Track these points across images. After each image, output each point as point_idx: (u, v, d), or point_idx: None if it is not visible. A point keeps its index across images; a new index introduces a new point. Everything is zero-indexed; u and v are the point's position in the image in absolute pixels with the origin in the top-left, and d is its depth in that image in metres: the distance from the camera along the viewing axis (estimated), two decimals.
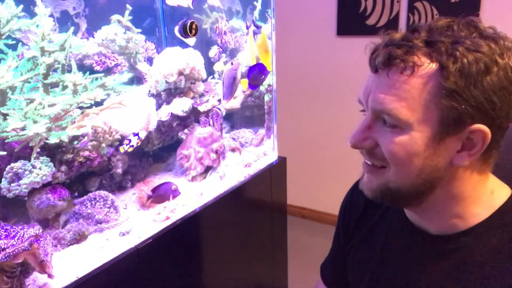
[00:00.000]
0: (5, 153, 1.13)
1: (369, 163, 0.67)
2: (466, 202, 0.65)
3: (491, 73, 0.55)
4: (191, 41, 1.55)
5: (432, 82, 0.57)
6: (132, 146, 1.37)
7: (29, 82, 1.19)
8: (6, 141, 1.08)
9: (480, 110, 0.56)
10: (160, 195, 1.38)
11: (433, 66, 0.57)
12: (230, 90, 1.55)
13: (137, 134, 1.40)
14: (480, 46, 0.55)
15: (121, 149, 1.37)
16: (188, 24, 1.43)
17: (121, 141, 1.41)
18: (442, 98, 0.56)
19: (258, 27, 1.59)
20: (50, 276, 0.96)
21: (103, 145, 1.33)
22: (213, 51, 1.97)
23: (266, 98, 1.90)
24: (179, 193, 1.42)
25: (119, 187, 1.46)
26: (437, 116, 0.58)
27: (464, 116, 0.57)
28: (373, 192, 0.67)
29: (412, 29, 0.62)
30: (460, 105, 0.56)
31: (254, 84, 1.64)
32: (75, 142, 1.26)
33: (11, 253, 0.88)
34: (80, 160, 1.27)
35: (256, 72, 1.59)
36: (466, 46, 0.55)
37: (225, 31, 1.65)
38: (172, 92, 1.61)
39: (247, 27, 1.65)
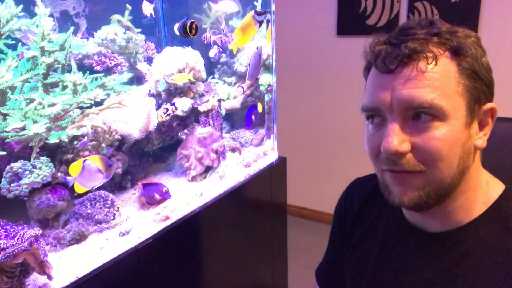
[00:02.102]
0: (5, 153, 1.13)
1: (401, 170, 0.61)
2: (474, 192, 0.65)
3: (484, 55, 0.62)
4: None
5: (454, 68, 0.59)
6: (169, 114, 1.43)
7: (29, 82, 1.19)
8: (6, 141, 1.07)
9: (489, 88, 0.62)
10: (149, 196, 1.37)
11: (447, 54, 0.60)
12: (254, 70, 1.64)
13: (173, 104, 1.46)
14: (470, 34, 0.62)
15: (159, 118, 1.42)
16: (188, 24, 1.43)
17: (121, 141, 1.41)
18: (465, 80, 0.60)
19: (259, 14, 1.51)
20: (49, 277, 0.96)
21: (103, 145, 1.33)
22: (213, 51, 1.97)
23: (266, 98, 1.90)
24: (170, 196, 1.39)
25: (119, 187, 1.46)
26: (465, 99, 0.60)
27: (481, 95, 0.61)
28: (417, 199, 0.62)
29: (405, 27, 0.62)
30: (479, 85, 0.61)
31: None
32: (75, 142, 1.26)
33: (11, 253, 0.88)
34: None
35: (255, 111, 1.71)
36: (462, 34, 0.61)
37: (214, 40, 1.63)
38: (172, 92, 1.61)
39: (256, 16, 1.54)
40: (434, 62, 0.58)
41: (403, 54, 0.59)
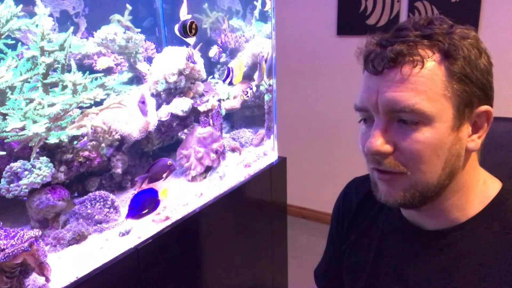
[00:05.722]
0: (4, 153, 1.12)
1: (385, 170, 0.63)
2: (468, 192, 0.65)
3: (482, 57, 0.60)
4: (190, 40, 1.55)
5: (442, 71, 0.59)
6: (248, 96, 1.81)
7: (29, 82, 1.19)
8: (5, 141, 1.07)
9: (483, 91, 0.61)
10: (156, 172, 1.38)
11: (437, 56, 0.59)
12: (258, 74, 1.81)
13: (251, 88, 1.81)
14: (467, 34, 0.60)
15: (241, 97, 1.77)
16: (188, 24, 1.43)
17: (120, 141, 1.41)
18: (455, 84, 0.59)
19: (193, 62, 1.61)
20: (47, 279, 0.96)
21: (103, 145, 1.33)
22: (213, 51, 1.97)
23: (266, 98, 1.90)
24: (176, 167, 1.41)
25: (119, 187, 1.46)
26: (453, 103, 0.59)
27: (473, 98, 0.60)
28: (401, 199, 0.63)
29: (399, 28, 0.62)
30: (470, 88, 0.59)
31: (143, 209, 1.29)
32: (75, 142, 1.26)
33: (11, 254, 0.88)
34: (79, 160, 1.26)
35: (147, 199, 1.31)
36: (458, 35, 0.60)
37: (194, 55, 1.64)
38: (172, 92, 1.61)
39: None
40: (420, 66, 0.58)
41: (388, 57, 0.59)
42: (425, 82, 0.58)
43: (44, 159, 1.16)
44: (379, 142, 0.60)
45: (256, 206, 1.77)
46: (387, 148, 0.61)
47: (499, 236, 0.62)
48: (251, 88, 1.78)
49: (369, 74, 0.63)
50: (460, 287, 0.63)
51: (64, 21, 1.47)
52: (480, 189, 0.66)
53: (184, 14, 1.46)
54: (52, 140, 1.13)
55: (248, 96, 1.79)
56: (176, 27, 1.45)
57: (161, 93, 1.60)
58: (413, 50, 0.58)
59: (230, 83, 1.68)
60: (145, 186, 1.39)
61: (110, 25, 1.51)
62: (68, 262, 1.08)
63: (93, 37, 1.50)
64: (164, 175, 1.38)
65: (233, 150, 1.84)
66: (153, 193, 1.30)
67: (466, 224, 0.65)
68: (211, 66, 1.99)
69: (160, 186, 1.42)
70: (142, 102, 1.43)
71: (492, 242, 0.62)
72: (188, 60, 1.54)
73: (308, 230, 3.08)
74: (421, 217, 0.69)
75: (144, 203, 1.27)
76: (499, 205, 0.65)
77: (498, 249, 0.62)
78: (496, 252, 0.61)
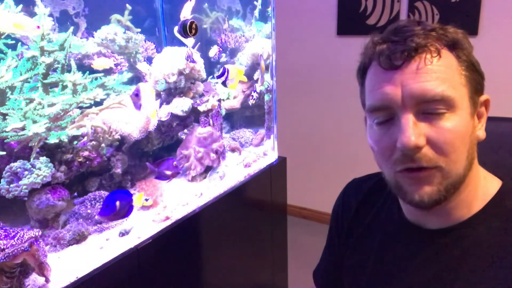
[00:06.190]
0: (4, 153, 1.12)
1: (418, 167, 0.60)
2: (475, 186, 0.66)
3: (472, 48, 0.64)
4: (189, 41, 1.55)
5: (454, 60, 0.61)
6: (255, 99, 1.86)
7: (29, 82, 1.19)
8: (5, 141, 1.07)
9: (483, 80, 0.64)
10: (164, 169, 1.42)
11: (445, 47, 0.61)
12: (260, 75, 1.87)
13: (255, 91, 1.84)
14: (457, 30, 0.63)
15: (251, 102, 1.84)
16: (188, 24, 1.43)
17: (120, 141, 1.41)
18: (466, 72, 0.61)
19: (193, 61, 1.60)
20: (47, 280, 0.96)
21: (103, 145, 1.33)
22: (213, 51, 1.97)
23: (266, 98, 1.90)
24: (180, 171, 1.44)
25: (119, 187, 1.45)
26: (468, 89, 0.62)
27: (478, 86, 0.63)
28: (437, 195, 0.61)
29: (398, 26, 0.63)
30: (476, 76, 0.63)
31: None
32: (75, 142, 1.26)
33: (11, 254, 0.88)
34: (79, 160, 1.26)
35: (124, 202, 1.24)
36: (451, 29, 0.63)
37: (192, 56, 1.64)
38: (172, 92, 1.61)
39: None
40: (437, 56, 0.60)
41: (410, 48, 0.59)
42: (445, 70, 0.60)
43: (44, 159, 1.16)
44: (414, 136, 0.59)
45: (256, 206, 1.77)
46: (422, 140, 0.59)
47: (502, 234, 0.62)
48: (255, 90, 1.80)
49: (384, 71, 0.62)
50: (462, 286, 0.63)
51: (64, 21, 1.47)
52: (482, 184, 0.67)
53: (187, 14, 1.45)
54: (52, 140, 1.13)
55: (255, 99, 1.83)
56: (176, 29, 1.45)
57: (161, 93, 1.60)
58: (428, 41, 0.60)
59: (224, 84, 1.65)
60: (148, 181, 1.41)
61: (110, 25, 1.51)
62: (68, 262, 1.08)
63: (93, 37, 1.50)
64: (169, 174, 1.39)
65: (233, 150, 1.84)
66: (128, 196, 1.21)
67: (468, 222, 0.65)
68: (211, 66, 1.98)
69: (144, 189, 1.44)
70: (136, 95, 1.36)
71: (495, 240, 0.62)
72: (188, 60, 1.54)
73: (308, 230, 3.08)
74: (425, 216, 0.68)
75: (119, 204, 1.18)
76: (500, 203, 0.65)
77: (499, 247, 0.62)
78: (497, 251, 0.62)
